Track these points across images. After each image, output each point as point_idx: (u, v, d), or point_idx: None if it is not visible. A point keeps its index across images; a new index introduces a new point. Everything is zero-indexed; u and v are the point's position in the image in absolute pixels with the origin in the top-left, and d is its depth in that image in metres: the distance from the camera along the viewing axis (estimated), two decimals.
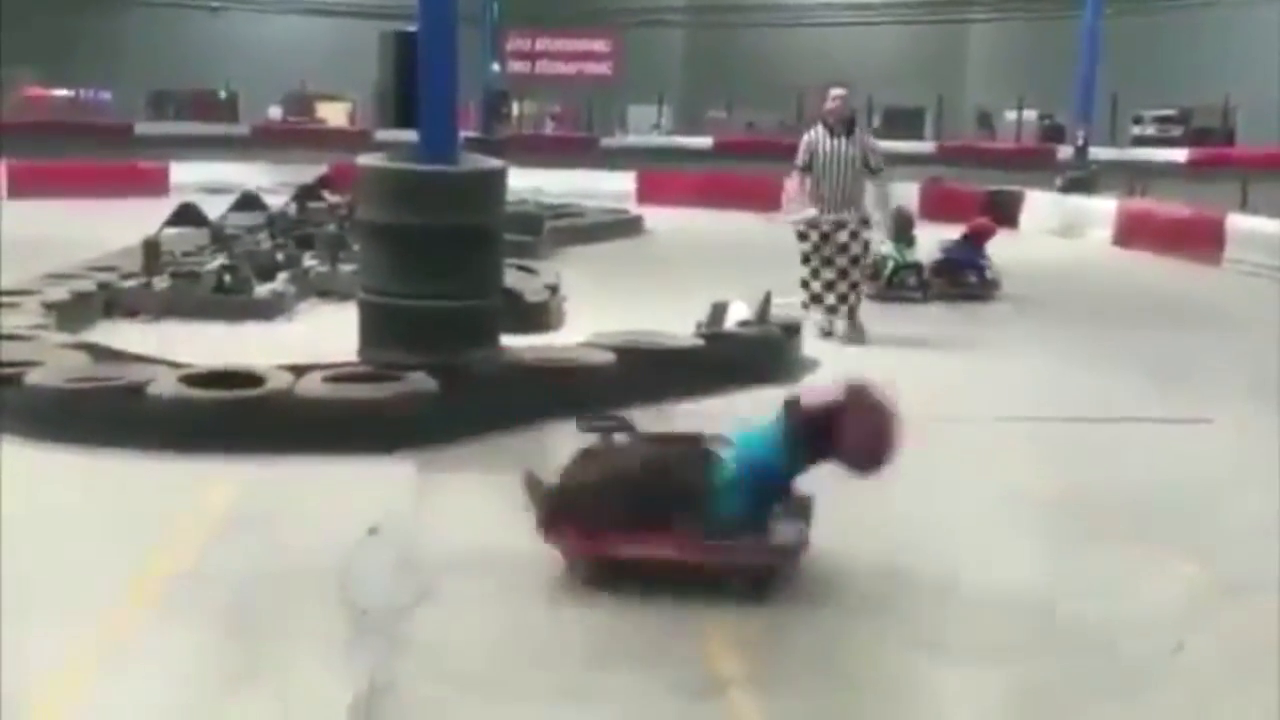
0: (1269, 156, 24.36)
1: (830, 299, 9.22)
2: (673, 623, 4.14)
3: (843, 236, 9.10)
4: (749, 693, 3.66)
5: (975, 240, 12.54)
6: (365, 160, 6.83)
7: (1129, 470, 5.86)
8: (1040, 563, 4.76)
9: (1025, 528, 5.19)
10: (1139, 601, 4.46)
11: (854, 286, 9.30)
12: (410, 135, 6.97)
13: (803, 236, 9.19)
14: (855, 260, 9.23)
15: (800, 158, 9.14)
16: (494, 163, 7.16)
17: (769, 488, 4.37)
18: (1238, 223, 15.36)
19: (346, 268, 10.11)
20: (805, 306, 9.24)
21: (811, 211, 9.05)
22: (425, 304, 6.51)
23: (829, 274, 9.16)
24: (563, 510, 4.41)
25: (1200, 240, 15.47)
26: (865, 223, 9.20)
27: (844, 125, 9.14)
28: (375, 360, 6.58)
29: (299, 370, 6.43)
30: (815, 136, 9.12)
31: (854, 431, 4.23)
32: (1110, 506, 5.44)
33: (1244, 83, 27.72)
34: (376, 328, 6.69)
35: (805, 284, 9.28)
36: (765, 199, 21.45)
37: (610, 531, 4.31)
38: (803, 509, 4.43)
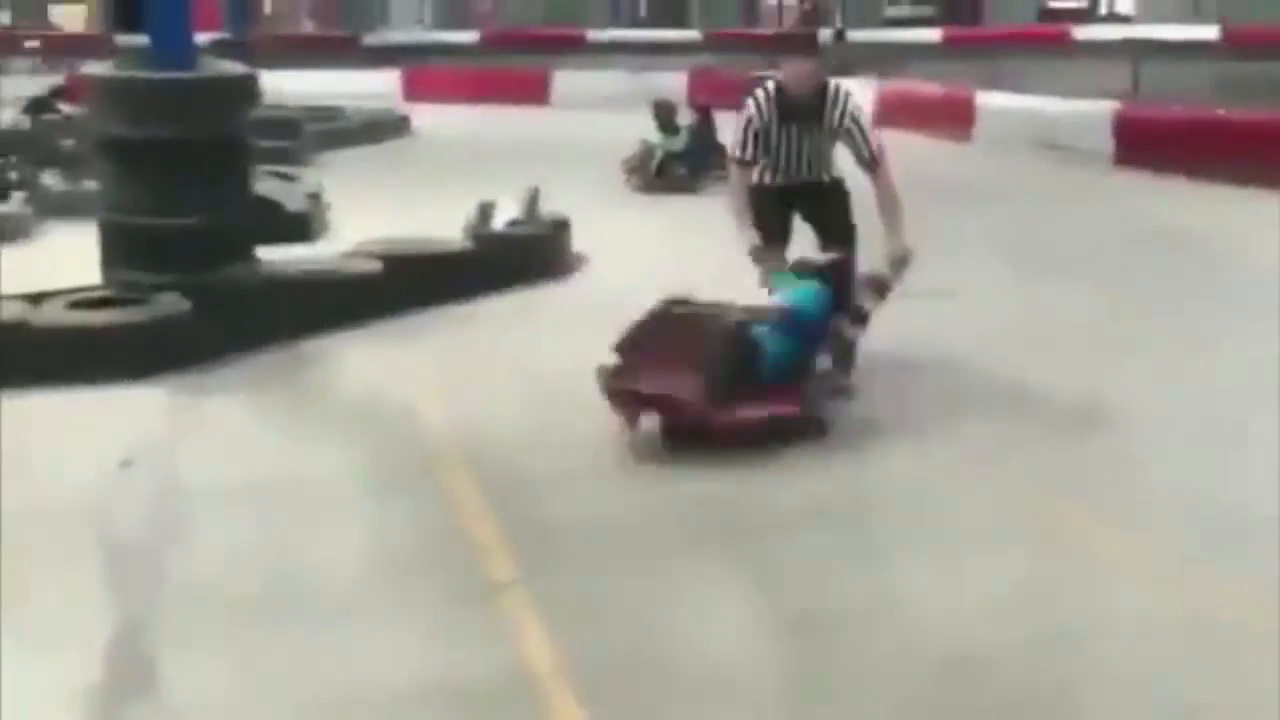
0: (1015, 34, 25.36)
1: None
2: (446, 532, 4.11)
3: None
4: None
5: (706, 123, 12.70)
6: (91, 70, 6.38)
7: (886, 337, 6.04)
8: None
9: None
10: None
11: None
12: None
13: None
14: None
15: (739, 148, 5.57)
16: (237, 67, 6.79)
17: (812, 331, 5.02)
18: (987, 100, 15.98)
19: (89, 185, 9.49)
20: None
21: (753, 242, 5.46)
22: (169, 221, 6.18)
23: None
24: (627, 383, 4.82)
25: (953, 118, 16.04)
26: (869, 285, 5.48)
27: (811, 94, 5.47)
28: (120, 283, 6.23)
29: (37, 297, 6.04)
30: (761, 113, 5.49)
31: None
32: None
33: None
34: (119, 248, 6.33)
35: None
36: (535, 93, 21.37)
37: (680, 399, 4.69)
38: (845, 350, 5.23)
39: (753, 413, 4.79)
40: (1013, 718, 3.09)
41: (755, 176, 5.61)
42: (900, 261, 5.50)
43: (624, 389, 4.82)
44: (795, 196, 5.66)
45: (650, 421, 4.84)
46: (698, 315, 5.02)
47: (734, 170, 5.66)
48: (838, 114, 5.45)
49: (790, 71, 5.56)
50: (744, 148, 5.53)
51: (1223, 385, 5.69)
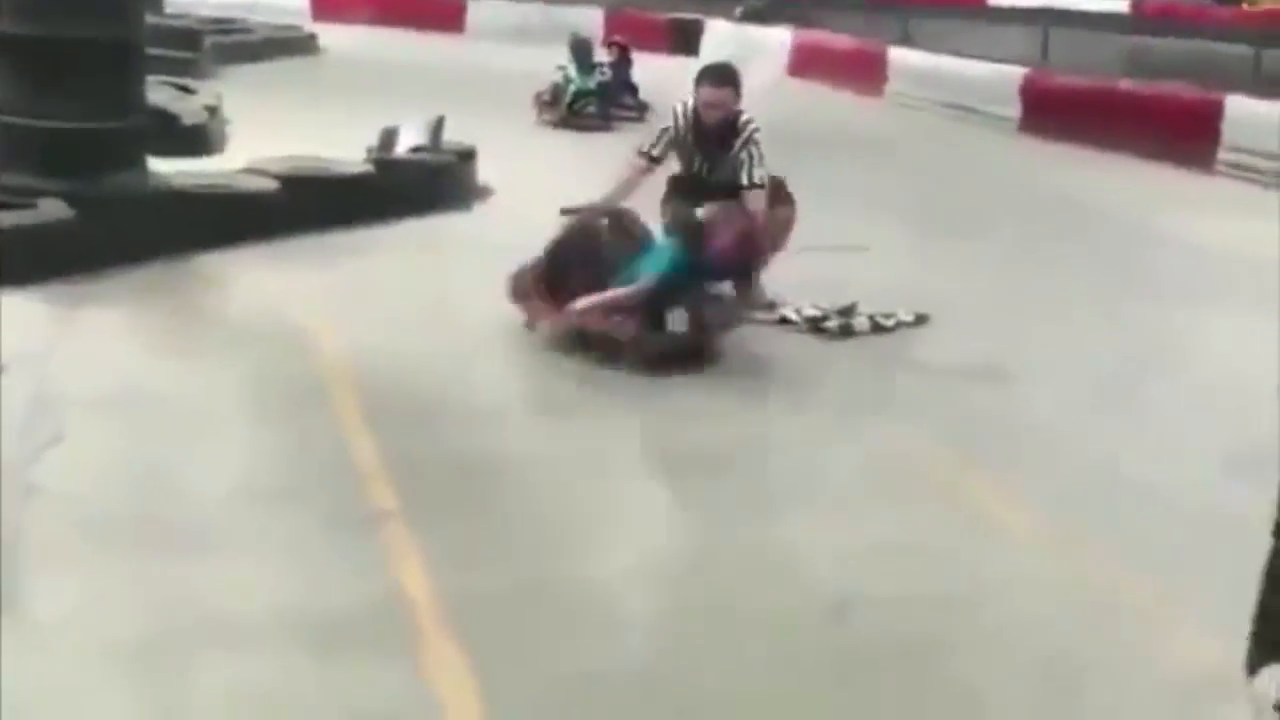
0: None
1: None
2: (326, 458, 4.03)
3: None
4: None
5: (624, 61, 12.63)
6: None
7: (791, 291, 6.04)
8: None
9: None
10: None
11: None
12: None
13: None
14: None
15: (650, 144, 5.75)
16: None
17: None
18: (899, 56, 16.07)
19: None
20: None
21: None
22: (55, 124, 5.92)
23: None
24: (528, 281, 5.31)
25: (866, 72, 16.11)
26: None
27: (721, 124, 5.63)
28: (2, 186, 5.96)
29: None
30: (678, 126, 5.71)
31: (722, 238, 5.24)
32: None
33: None
34: (3, 150, 6.06)
35: None
36: (450, 21, 20.96)
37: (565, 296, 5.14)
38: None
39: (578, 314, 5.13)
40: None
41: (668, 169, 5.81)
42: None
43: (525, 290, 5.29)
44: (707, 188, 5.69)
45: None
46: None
47: (634, 159, 5.77)
48: (739, 143, 5.59)
49: (706, 98, 5.62)
50: (654, 147, 5.73)
51: (1113, 352, 5.81)
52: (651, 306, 5.17)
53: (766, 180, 5.61)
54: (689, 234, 5.30)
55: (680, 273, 5.21)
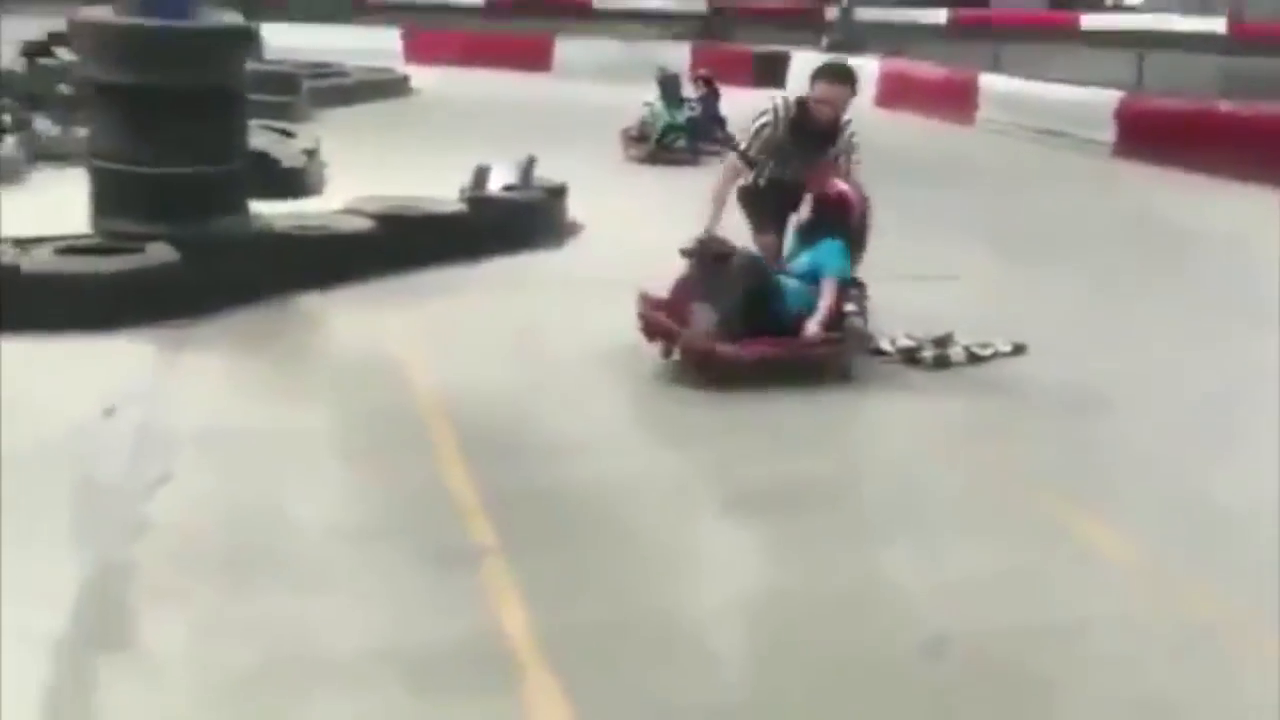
0: (1021, 17, 25.25)
1: None
2: (426, 494, 4.09)
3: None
4: None
5: (712, 95, 12.64)
6: (86, 15, 6.31)
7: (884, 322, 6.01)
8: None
9: None
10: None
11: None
12: None
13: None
14: None
15: (747, 143, 5.66)
16: (234, 18, 6.71)
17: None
18: (989, 83, 15.92)
19: (82, 131, 9.41)
20: None
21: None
22: (160, 170, 6.11)
23: None
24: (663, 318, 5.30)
25: (955, 100, 15.99)
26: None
27: (829, 123, 5.56)
28: (110, 231, 6.17)
29: (25, 242, 5.99)
30: (777, 122, 5.57)
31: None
32: None
33: None
34: (110, 196, 6.26)
35: None
36: (538, 60, 21.25)
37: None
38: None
39: (752, 351, 5.16)
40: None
41: (754, 176, 5.68)
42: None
43: (648, 318, 5.29)
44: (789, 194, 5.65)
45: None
46: (726, 252, 5.34)
47: (731, 160, 5.75)
48: (839, 147, 5.57)
49: (821, 94, 5.54)
50: (750, 146, 5.62)
51: (1213, 379, 5.68)
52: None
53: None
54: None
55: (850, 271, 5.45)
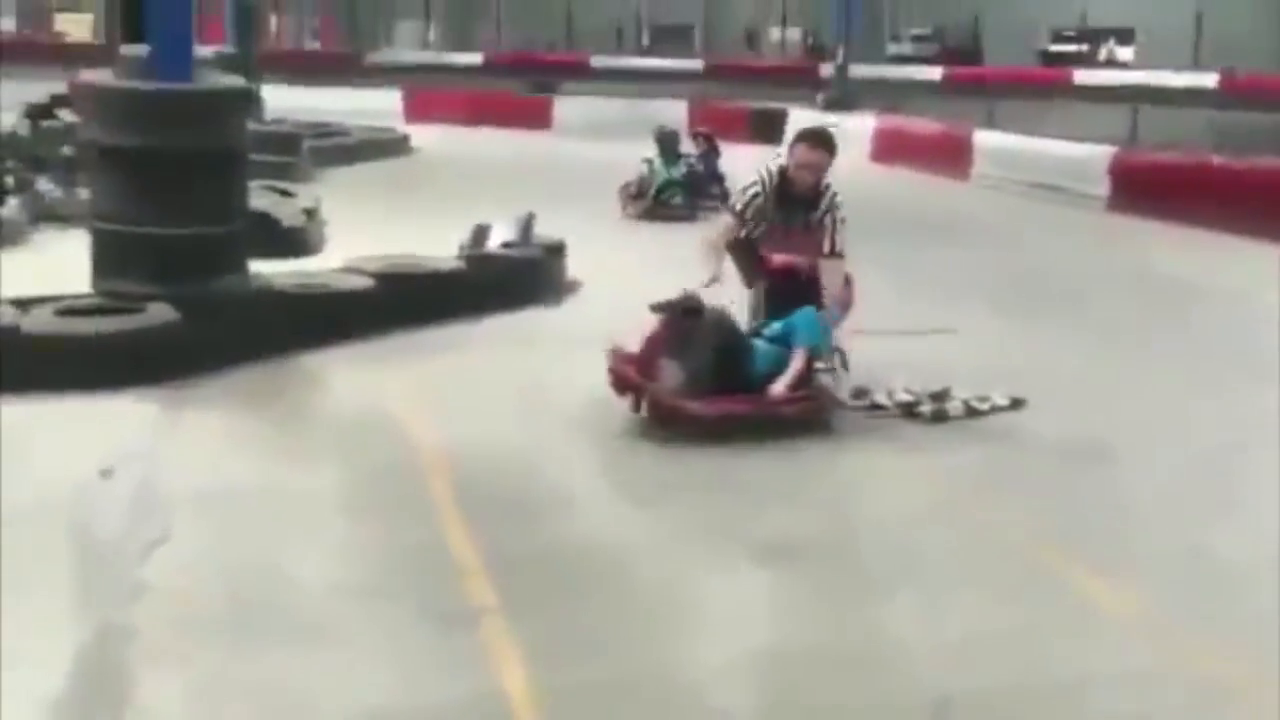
0: (1013, 75, 25.50)
1: None
2: (425, 552, 4.08)
3: None
4: None
5: (711, 151, 12.76)
6: (87, 77, 6.38)
7: (881, 376, 6.02)
8: None
9: None
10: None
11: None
12: None
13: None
14: None
15: (738, 202, 5.80)
16: (234, 80, 6.79)
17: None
18: (984, 138, 16.05)
19: (84, 192, 9.48)
20: None
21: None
22: (161, 231, 6.15)
23: None
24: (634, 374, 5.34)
25: (950, 155, 16.11)
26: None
27: (809, 188, 5.65)
28: (111, 291, 6.20)
29: (26, 303, 6.01)
30: (764, 188, 5.69)
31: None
32: None
33: (992, 4, 28.89)
34: (111, 257, 6.30)
35: None
36: (537, 118, 21.44)
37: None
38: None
39: (718, 408, 5.21)
40: None
41: (746, 232, 5.78)
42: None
43: (618, 372, 5.34)
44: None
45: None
46: (695, 309, 5.40)
47: (726, 219, 5.87)
48: (823, 209, 5.60)
49: (800, 158, 5.66)
50: (742, 205, 5.75)
51: (1212, 433, 5.68)
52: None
53: (845, 251, 5.62)
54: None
55: (828, 337, 5.50)
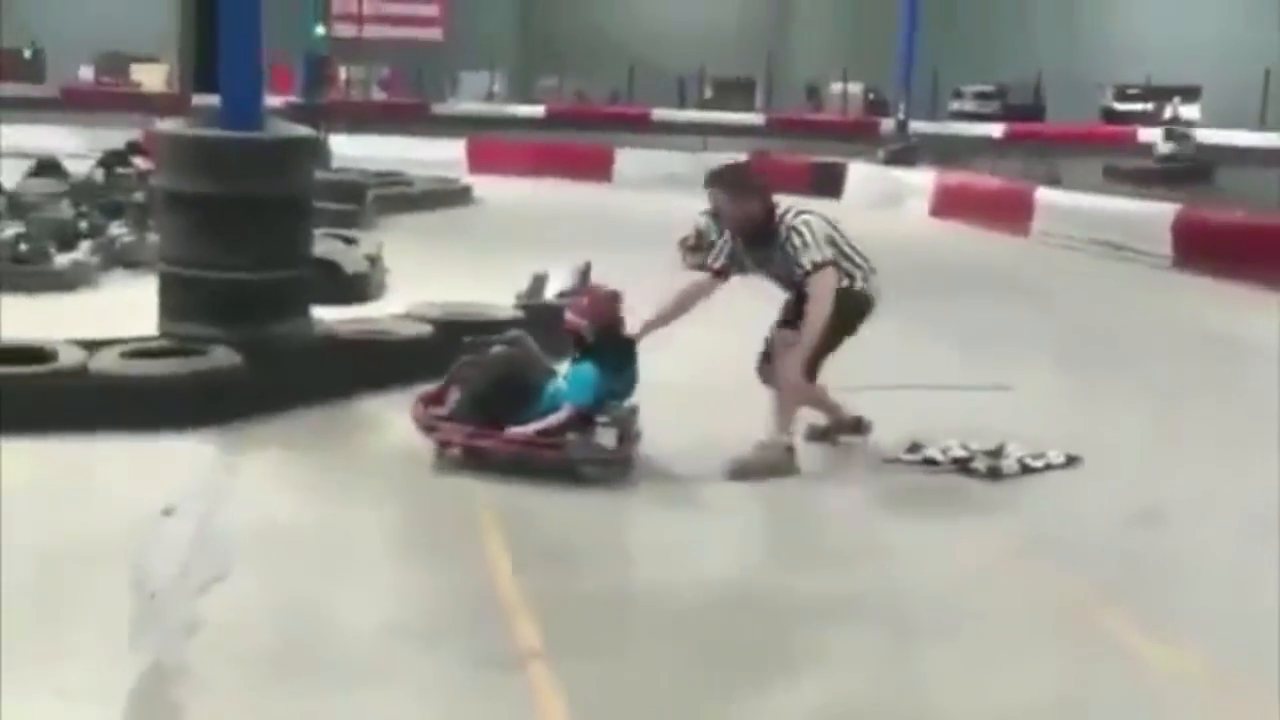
0: (1076, 133, 25.38)
1: None
2: (475, 597, 4.12)
3: None
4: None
5: None
6: (163, 127, 6.57)
7: (936, 432, 6.00)
8: None
9: None
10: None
11: None
12: None
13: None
14: None
15: (715, 258, 5.85)
16: (301, 129, 6.96)
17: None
18: (1045, 196, 15.97)
19: (154, 237, 9.72)
20: None
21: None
22: (227, 275, 6.29)
23: None
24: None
25: (1011, 212, 16.04)
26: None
27: (752, 230, 5.67)
28: (176, 334, 6.34)
29: (94, 345, 6.16)
30: (731, 240, 5.78)
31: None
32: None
33: (1055, 61, 28.84)
34: (177, 300, 6.45)
35: None
36: (598, 170, 21.66)
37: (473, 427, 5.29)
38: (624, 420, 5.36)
39: (468, 438, 5.31)
40: None
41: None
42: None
43: (413, 411, 5.53)
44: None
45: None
46: (494, 342, 5.74)
47: (705, 276, 5.85)
48: (780, 237, 5.52)
49: (710, 201, 5.82)
50: (719, 259, 5.77)
51: (1272, 494, 5.59)
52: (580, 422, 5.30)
53: (827, 258, 5.48)
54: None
55: (602, 399, 5.35)
